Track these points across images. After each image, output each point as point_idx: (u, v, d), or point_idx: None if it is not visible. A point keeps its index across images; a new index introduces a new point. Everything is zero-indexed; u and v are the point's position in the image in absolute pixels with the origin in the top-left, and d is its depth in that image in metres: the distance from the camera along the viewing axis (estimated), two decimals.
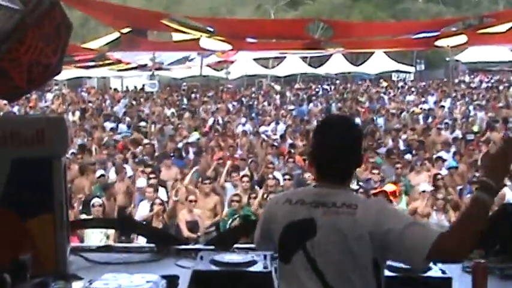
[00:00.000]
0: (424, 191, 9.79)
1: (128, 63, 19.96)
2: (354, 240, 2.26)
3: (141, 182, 10.74)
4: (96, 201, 9.22)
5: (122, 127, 18.43)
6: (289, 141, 14.97)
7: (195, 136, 15.99)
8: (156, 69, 20.28)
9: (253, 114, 20.93)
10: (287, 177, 10.62)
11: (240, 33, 14.08)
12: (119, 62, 18.83)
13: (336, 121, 2.66)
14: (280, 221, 2.38)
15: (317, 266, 2.24)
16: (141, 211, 9.75)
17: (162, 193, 10.48)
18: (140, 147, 14.19)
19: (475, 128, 17.03)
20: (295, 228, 2.29)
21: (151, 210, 9.47)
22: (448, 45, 16.06)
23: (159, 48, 18.49)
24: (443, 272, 3.00)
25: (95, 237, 8.18)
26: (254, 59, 31.78)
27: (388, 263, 2.51)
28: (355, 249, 2.26)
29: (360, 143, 2.56)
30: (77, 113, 21.55)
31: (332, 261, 2.28)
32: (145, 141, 15.23)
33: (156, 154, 13.61)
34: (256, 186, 10.83)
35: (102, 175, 11.25)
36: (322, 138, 2.47)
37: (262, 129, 17.56)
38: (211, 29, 14.07)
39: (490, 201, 2.17)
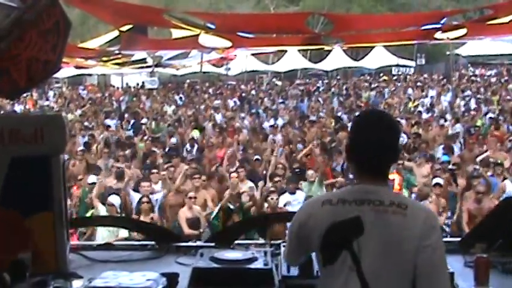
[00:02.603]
0: (437, 184, 9.54)
1: (129, 56, 19.70)
2: (403, 242, 2.22)
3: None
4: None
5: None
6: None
7: (195, 133, 15.95)
8: (156, 66, 20.13)
9: (253, 110, 20.84)
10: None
11: (240, 28, 14.02)
12: (119, 54, 18.59)
13: (376, 116, 2.57)
14: (321, 223, 2.28)
15: (361, 266, 2.15)
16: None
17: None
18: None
19: (478, 122, 16.91)
20: (341, 228, 2.19)
21: (138, 206, 9.26)
22: (447, 38, 15.97)
23: (158, 46, 18.38)
24: None
25: (104, 234, 8.21)
26: (254, 55, 31.67)
27: None
28: (402, 250, 2.22)
29: (399, 138, 2.52)
30: (78, 111, 21.54)
31: (377, 262, 2.23)
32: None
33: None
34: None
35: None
36: (363, 133, 2.40)
37: (265, 125, 17.55)
38: (212, 25, 14.00)
39: None
